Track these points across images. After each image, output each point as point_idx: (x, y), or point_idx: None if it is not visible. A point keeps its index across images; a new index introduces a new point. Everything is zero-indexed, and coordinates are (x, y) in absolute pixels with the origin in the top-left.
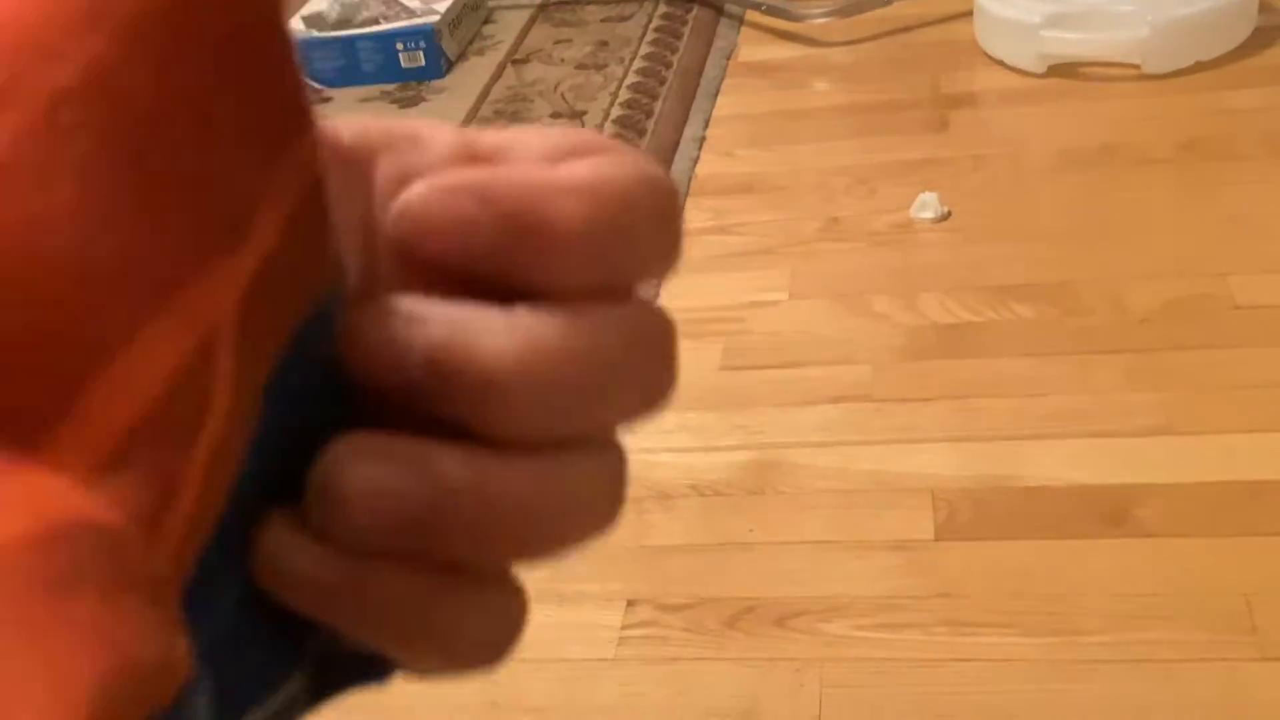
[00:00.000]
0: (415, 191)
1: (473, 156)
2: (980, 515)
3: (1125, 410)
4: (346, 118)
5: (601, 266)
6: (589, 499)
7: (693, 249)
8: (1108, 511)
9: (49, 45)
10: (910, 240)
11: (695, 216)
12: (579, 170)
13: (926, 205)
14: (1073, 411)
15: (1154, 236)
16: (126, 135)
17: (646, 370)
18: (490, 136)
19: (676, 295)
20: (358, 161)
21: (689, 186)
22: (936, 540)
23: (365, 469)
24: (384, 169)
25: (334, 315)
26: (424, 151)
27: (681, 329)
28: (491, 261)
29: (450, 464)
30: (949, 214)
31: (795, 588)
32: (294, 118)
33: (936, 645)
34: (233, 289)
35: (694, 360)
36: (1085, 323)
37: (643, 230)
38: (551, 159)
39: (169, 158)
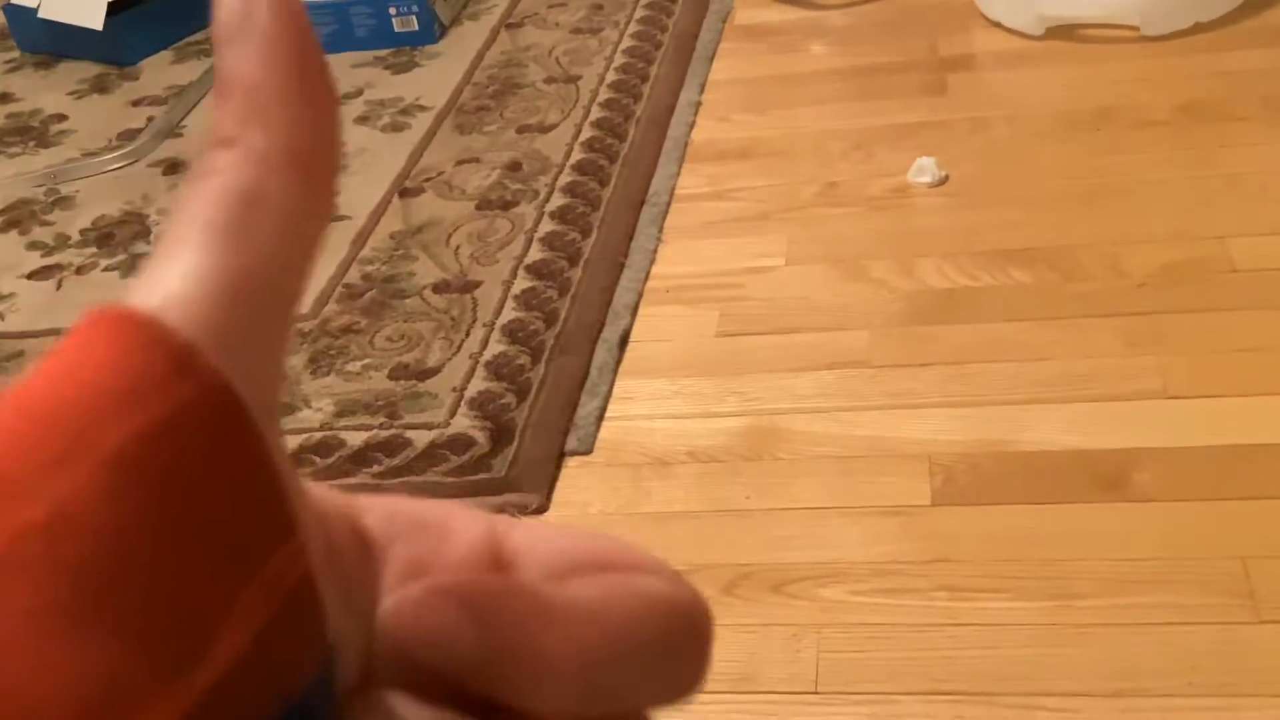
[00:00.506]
0: (410, 592)
1: (495, 557)
2: (977, 480)
3: (1123, 374)
4: (380, 498)
5: (596, 699)
6: None
7: (689, 215)
8: (1105, 476)
9: (21, 484)
10: (908, 205)
11: (691, 182)
12: (584, 595)
13: (924, 170)
14: (1070, 376)
15: (1152, 200)
16: (87, 569)
17: None
18: (518, 535)
19: (673, 262)
20: (376, 546)
21: (684, 151)
22: (933, 505)
23: None
24: (400, 554)
25: (318, 706)
26: (446, 544)
27: (678, 295)
28: (477, 679)
29: None
30: (946, 178)
31: (792, 553)
32: (274, 530)
33: (933, 610)
34: (174, 713)
35: (690, 327)
36: (1083, 287)
37: (648, 663)
38: (570, 571)
39: (129, 589)
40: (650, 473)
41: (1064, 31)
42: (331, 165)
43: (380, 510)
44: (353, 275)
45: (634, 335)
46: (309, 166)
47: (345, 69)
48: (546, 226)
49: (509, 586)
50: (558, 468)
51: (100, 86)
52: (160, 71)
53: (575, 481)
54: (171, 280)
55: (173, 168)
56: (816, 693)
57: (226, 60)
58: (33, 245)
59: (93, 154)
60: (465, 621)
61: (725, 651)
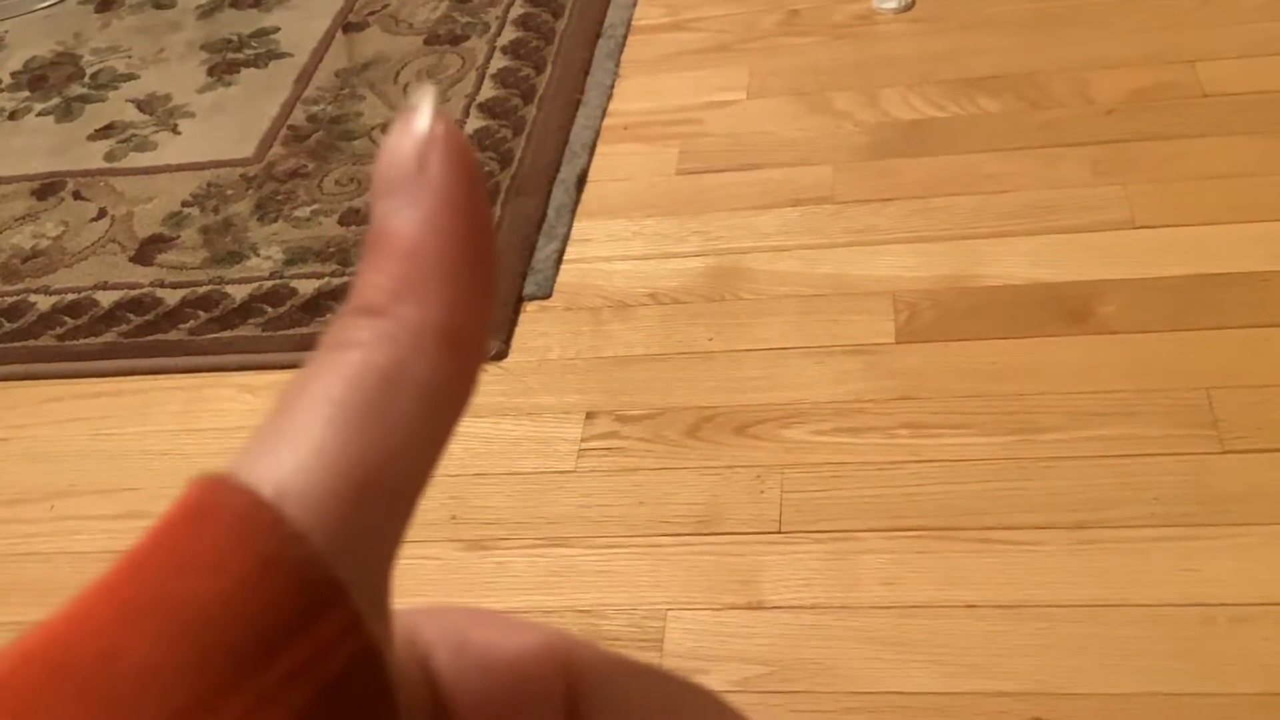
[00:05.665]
0: None
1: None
2: (941, 316)
3: (1090, 204)
4: (438, 615)
5: None
6: None
7: (647, 48)
8: (1070, 308)
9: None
10: (872, 32)
11: (649, 13)
12: None
13: None
14: (1036, 207)
15: (1122, 22)
16: None
17: None
18: (588, 668)
19: (631, 97)
20: (448, 694)
21: None
22: (897, 343)
23: None
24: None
25: None
26: (521, 688)
27: (637, 132)
28: None
29: None
30: (913, 3)
31: (755, 395)
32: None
33: (897, 448)
34: None
35: (650, 164)
36: (1051, 115)
37: None
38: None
39: None
40: (611, 316)
41: None
42: (483, 346)
43: (445, 642)
44: (297, 116)
45: (592, 175)
46: (460, 347)
47: None
48: (499, 62)
49: None
50: (516, 312)
51: None
52: None
53: (534, 326)
54: (289, 463)
55: (105, 4)
56: (780, 532)
57: (386, 215)
58: None
59: None
60: None
61: (689, 494)
